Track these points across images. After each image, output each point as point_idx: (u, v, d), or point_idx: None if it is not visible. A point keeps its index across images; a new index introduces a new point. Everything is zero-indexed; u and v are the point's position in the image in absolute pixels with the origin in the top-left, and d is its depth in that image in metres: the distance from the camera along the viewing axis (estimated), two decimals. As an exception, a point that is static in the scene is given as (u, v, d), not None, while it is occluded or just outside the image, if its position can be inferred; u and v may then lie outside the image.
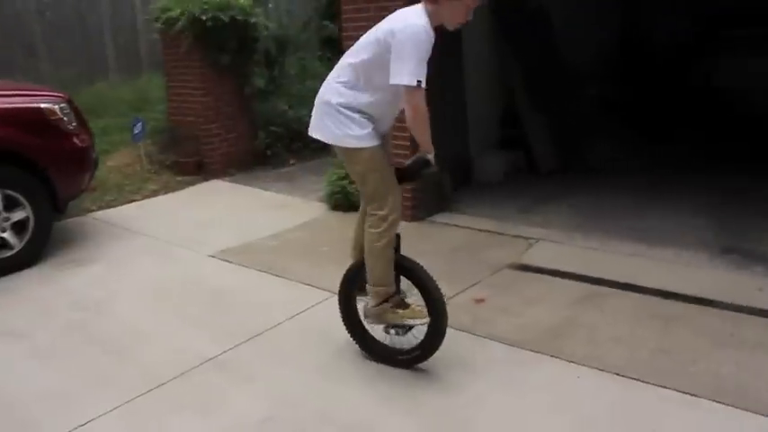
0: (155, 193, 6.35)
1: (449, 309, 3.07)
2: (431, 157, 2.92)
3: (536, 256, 4.58)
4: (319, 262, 4.60)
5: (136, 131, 6.73)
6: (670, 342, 3.33)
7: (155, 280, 4.40)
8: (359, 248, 3.10)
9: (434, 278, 3.05)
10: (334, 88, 2.92)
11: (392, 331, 3.07)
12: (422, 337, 3.07)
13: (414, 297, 3.10)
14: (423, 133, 2.84)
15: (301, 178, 6.93)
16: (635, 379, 3.01)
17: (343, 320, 3.31)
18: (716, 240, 4.58)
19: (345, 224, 5.38)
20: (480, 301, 3.87)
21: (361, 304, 3.20)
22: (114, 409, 2.94)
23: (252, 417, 2.86)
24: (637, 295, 3.90)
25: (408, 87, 2.69)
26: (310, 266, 4.52)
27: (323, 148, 7.57)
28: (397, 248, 3.05)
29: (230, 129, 7.01)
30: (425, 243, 4.84)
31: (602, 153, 6.80)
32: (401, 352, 3.16)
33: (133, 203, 6.10)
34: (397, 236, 3.03)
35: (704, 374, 3.03)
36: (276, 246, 4.98)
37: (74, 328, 3.77)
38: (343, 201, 5.64)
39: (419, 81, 2.67)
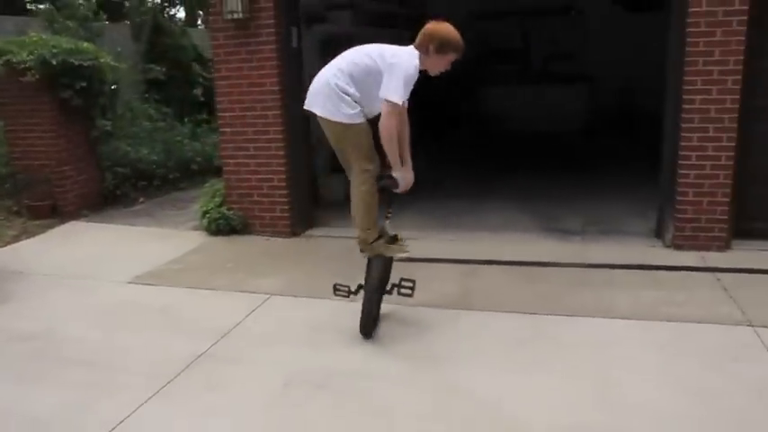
0: (17, 239, 6.22)
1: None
2: (397, 174, 3.75)
3: (412, 251, 5.62)
4: (235, 275, 5.15)
5: (-23, 179, 6.48)
6: (540, 290, 4.61)
7: (88, 308, 4.56)
8: None
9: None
10: (341, 78, 3.59)
11: None
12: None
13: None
14: (390, 148, 3.62)
15: (159, 213, 7.23)
16: (535, 313, 4.21)
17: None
18: (539, 224, 6.10)
19: (235, 245, 5.99)
20: (393, 284, 4.81)
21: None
22: (145, 402, 3.28)
23: (273, 384, 3.44)
24: (500, 266, 5.14)
25: (391, 103, 3.46)
26: (230, 279, 5.05)
27: (165, 185, 8.04)
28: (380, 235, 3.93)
29: (81, 170, 7.06)
30: (318, 252, 5.69)
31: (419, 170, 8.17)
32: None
33: (-2, 250, 5.95)
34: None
35: (577, 303, 4.33)
36: (183, 268, 5.38)
37: (35, 356, 3.87)
38: (225, 226, 6.18)
39: (400, 102, 3.48)
